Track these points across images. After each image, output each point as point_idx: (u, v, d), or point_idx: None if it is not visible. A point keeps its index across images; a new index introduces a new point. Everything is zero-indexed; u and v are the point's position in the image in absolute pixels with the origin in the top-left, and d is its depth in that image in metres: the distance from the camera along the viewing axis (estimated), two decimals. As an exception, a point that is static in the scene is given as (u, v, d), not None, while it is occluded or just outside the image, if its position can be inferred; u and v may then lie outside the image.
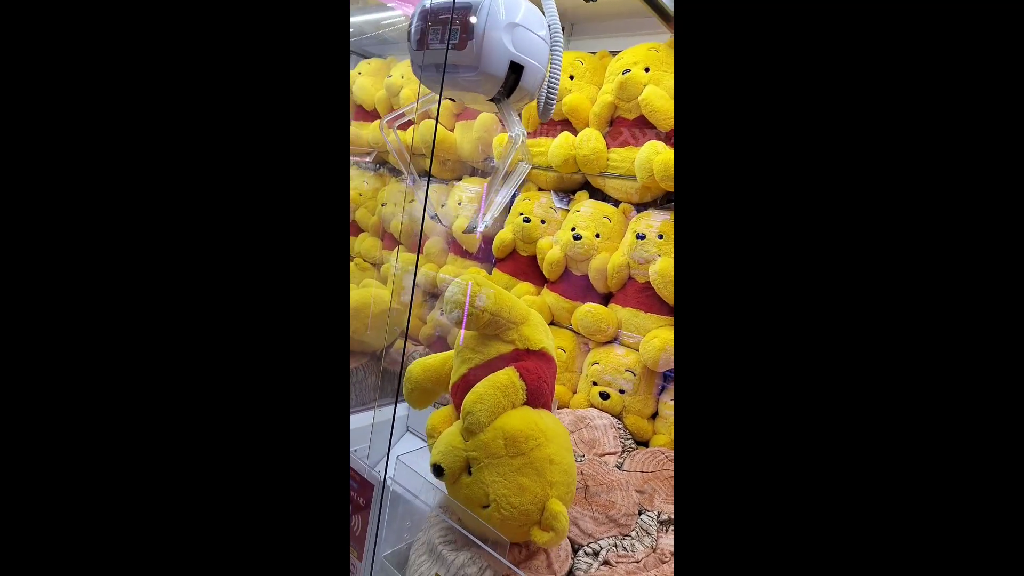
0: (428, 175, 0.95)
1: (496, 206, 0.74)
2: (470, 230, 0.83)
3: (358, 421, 0.96)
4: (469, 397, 0.69)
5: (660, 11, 1.12)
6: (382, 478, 0.66)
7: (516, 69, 0.62)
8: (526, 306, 0.81)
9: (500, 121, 0.70)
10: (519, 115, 0.76)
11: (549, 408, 0.78)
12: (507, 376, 0.71)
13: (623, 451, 1.04)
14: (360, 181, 1.63)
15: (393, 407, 0.76)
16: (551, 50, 0.66)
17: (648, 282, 1.09)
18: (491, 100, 0.66)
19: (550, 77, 0.67)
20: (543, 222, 1.26)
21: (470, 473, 0.69)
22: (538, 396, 0.74)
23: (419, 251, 1.42)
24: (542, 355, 0.78)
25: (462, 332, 0.79)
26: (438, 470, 0.70)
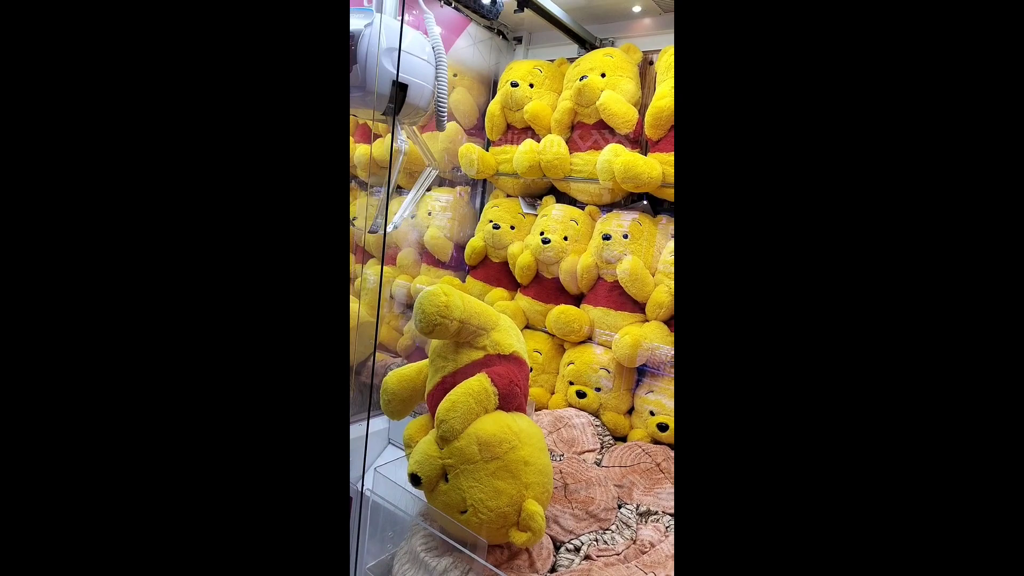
0: (388, 186, 0.97)
1: (404, 208, 0.85)
2: (373, 230, 0.92)
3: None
4: (442, 405, 0.71)
5: (569, 32, 1.19)
6: (360, 490, 0.67)
7: (402, 88, 0.73)
8: (496, 312, 0.83)
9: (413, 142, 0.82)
10: (413, 127, 0.87)
11: (523, 410, 0.80)
12: (479, 382, 0.73)
13: (601, 448, 1.06)
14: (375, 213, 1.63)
15: (366, 421, 0.77)
16: (436, 70, 0.76)
17: (616, 281, 1.12)
18: (384, 115, 0.75)
19: (437, 94, 0.78)
20: (512, 228, 1.28)
21: (447, 480, 0.70)
22: (511, 399, 0.75)
23: (383, 262, 1.43)
24: (513, 359, 0.80)
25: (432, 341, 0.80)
26: (415, 479, 0.71)
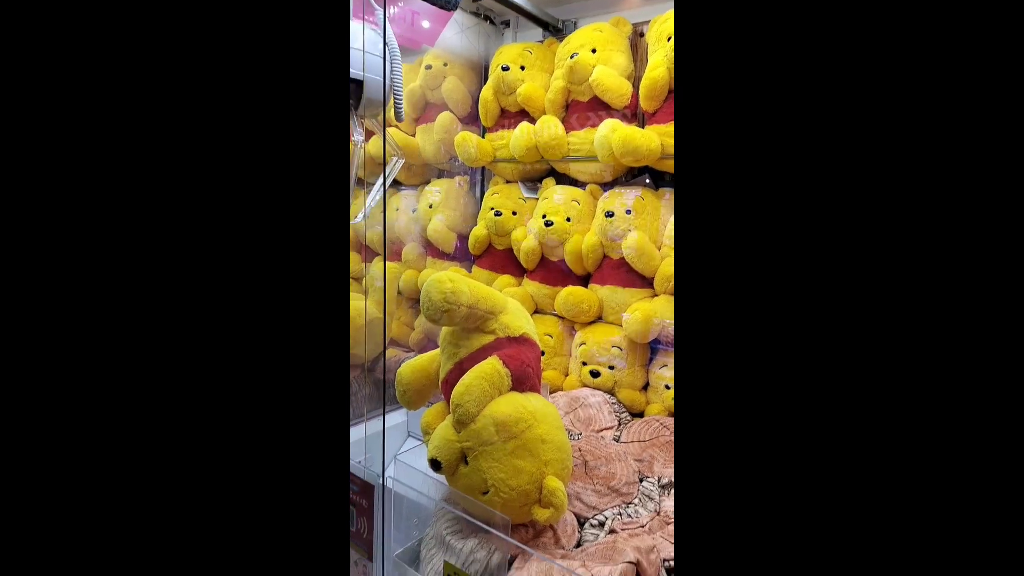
0: (384, 181, 0.97)
1: (371, 198, 0.88)
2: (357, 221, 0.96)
3: (356, 433, 0.97)
4: (457, 390, 0.71)
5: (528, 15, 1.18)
6: (380, 479, 0.68)
7: (358, 84, 0.75)
8: (503, 295, 0.83)
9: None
10: (375, 119, 0.88)
11: (537, 391, 0.80)
12: (491, 365, 0.73)
13: (619, 424, 1.06)
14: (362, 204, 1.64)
15: (382, 413, 0.78)
16: (390, 65, 0.79)
17: (623, 258, 1.11)
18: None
19: (393, 87, 0.81)
20: (514, 213, 1.28)
21: (467, 463, 0.70)
22: (524, 380, 0.76)
23: (385, 257, 1.43)
24: (524, 341, 0.80)
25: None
26: (435, 464, 0.71)
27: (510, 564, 0.67)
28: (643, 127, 1.10)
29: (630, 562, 0.63)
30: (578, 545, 0.76)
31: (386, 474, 0.71)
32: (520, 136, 1.19)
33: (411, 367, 0.88)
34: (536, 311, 1.27)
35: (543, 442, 0.71)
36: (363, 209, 1.19)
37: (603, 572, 0.61)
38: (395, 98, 0.82)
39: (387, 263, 1.44)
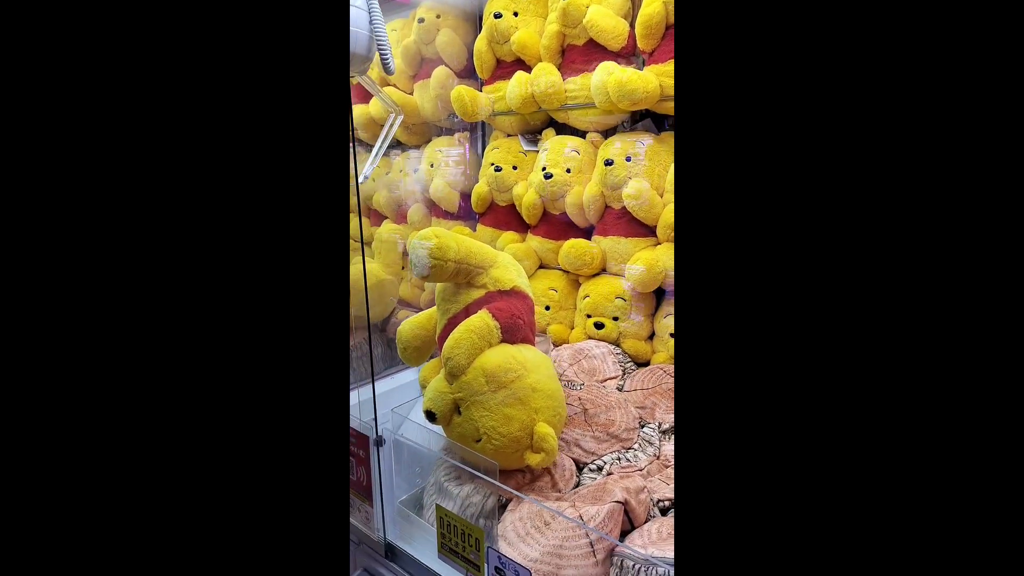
0: (383, 139, 0.97)
1: (372, 158, 0.90)
2: (363, 179, 0.95)
3: (369, 391, 1.01)
4: (447, 343, 0.72)
5: None
6: (375, 430, 0.71)
7: None
8: (493, 250, 0.83)
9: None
10: (366, 76, 0.85)
11: (531, 342, 0.81)
12: (480, 319, 0.74)
13: (623, 374, 1.06)
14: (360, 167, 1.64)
15: (371, 372, 0.80)
16: (369, 13, 0.74)
17: (625, 208, 1.08)
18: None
19: (376, 39, 0.77)
20: (515, 168, 1.26)
21: (460, 413, 0.72)
22: (515, 332, 0.76)
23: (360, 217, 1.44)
24: (515, 293, 0.80)
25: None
26: (430, 415, 0.74)
27: (504, 508, 0.70)
28: (643, 69, 1.05)
29: (618, 501, 0.65)
30: (576, 489, 0.78)
31: (382, 425, 0.73)
32: (516, 86, 1.16)
33: (410, 325, 0.90)
34: (540, 266, 1.27)
35: (534, 391, 0.72)
36: (364, 170, 1.19)
37: (591, 511, 0.63)
38: (380, 51, 0.79)
39: (393, 225, 1.45)
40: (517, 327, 0.77)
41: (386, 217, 1.53)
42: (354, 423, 0.72)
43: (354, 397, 0.79)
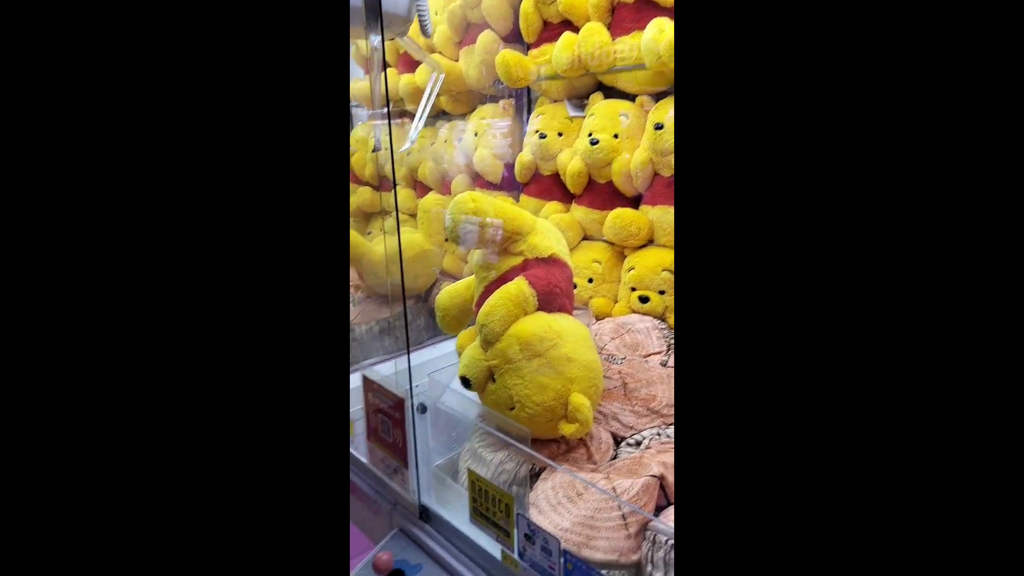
0: (426, 102, 0.95)
1: (415, 125, 0.89)
2: (376, 149, 0.93)
3: (414, 359, 1.02)
4: (482, 310, 0.71)
5: None
6: (410, 395, 0.71)
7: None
8: (531, 216, 0.81)
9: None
10: (406, 38, 0.88)
11: (568, 311, 0.78)
12: (516, 286, 0.72)
13: (668, 349, 1.02)
14: (384, 136, 1.65)
15: (406, 338, 0.80)
16: None
17: (674, 176, 1.02)
18: (366, 29, 0.72)
19: (416, 1, 0.74)
20: (560, 135, 1.22)
21: (494, 380, 0.72)
22: (551, 300, 0.74)
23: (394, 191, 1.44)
24: (553, 261, 0.78)
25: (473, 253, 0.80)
26: (465, 381, 0.73)
27: (537, 476, 0.69)
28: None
29: (654, 475, 0.62)
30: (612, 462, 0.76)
31: (422, 392, 0.74)
32: (562, 48, 1.11)
33: (449, 293, 0.90)
34: (584, 238, 1.23)
35: (569, 360, 0.70)
36: (410, 135, 1.18)
37: (625, 484, 0.61)
38: (418, 11, 0.77)
39: (438, 196, 1.45)
40: (554, 295, 0.74)
41: (431, 188, 1.53)
42: (392, 387, 0.73)
43: (393, 366, 0.80)
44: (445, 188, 1.50)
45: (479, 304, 0.80)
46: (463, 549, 0.69)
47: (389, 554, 0.69)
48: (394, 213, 0.77)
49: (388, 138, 0.74)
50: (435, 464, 0.79)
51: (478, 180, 1.42)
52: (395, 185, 1.37)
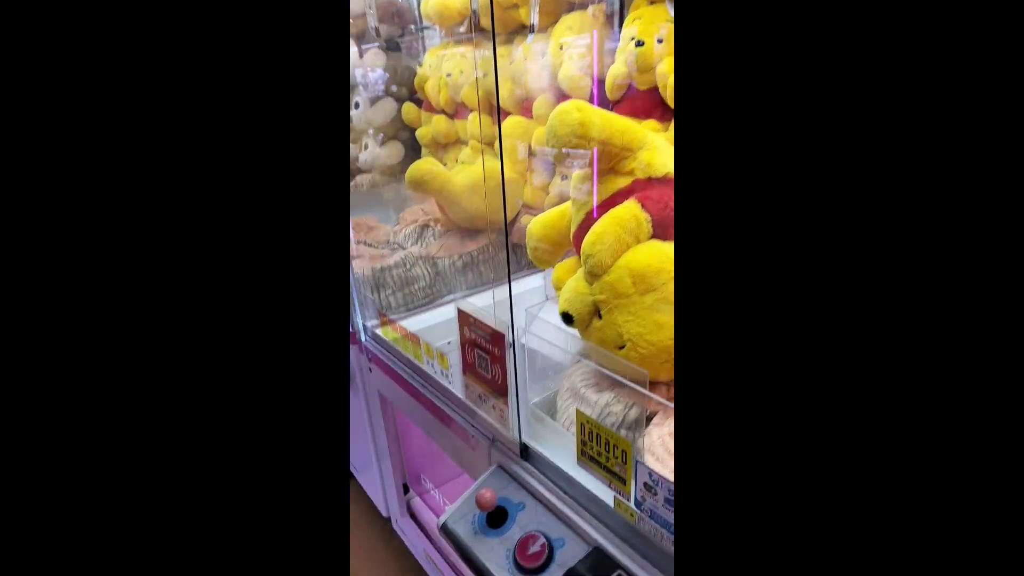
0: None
1: None
2: None
3: (498, 295, 0.98)
4: (587, 238, 0.64)
5: None
6: (511, 329, 0.66)
7: None
8: (644, 129, 0.70)
9: None
10: None
11: (684, 240, 0.69)
12: (627, 209, 0.63)
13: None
14: (458, 57, 1.54)
15: (508, 271, 0.74)
16: None
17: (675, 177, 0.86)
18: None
19: None
20: (660, 41, 1.06)
21: (600, 316, 0.65)
22: (668, 226, 0.65)
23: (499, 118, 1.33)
24: (669, 181, 0.68)
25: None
26: (567, 317, 0.67)
27: (649, 420, 0.63)
28: None
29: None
30: (729, 408, 0.68)
31: (516, 325, 0.69)
32: (668, -69, 0.93)
33: (541, 222, 0.82)
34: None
35: (689, 295, 0.61)
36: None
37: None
38: None
39: (520, 119, 1.35)
40: (671, 221, 0.65)
41: (510, 113, 1.42)
42: (490, 322, 0.68)
43: (488, 297, 0.75)
44: (525, 111, 1.39)
45: (578, 235, 0.72)
46: (568, 491, 0.65)
47: (492, 491, 0.67)
48: (482, 141, 0.69)
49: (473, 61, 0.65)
50: (532, 402, 0.76)
51: (562, 100, 1.29)
52: (499, 108, 1.27)
